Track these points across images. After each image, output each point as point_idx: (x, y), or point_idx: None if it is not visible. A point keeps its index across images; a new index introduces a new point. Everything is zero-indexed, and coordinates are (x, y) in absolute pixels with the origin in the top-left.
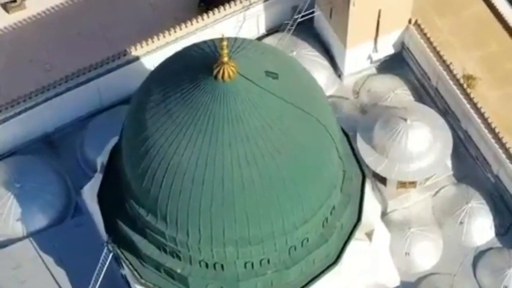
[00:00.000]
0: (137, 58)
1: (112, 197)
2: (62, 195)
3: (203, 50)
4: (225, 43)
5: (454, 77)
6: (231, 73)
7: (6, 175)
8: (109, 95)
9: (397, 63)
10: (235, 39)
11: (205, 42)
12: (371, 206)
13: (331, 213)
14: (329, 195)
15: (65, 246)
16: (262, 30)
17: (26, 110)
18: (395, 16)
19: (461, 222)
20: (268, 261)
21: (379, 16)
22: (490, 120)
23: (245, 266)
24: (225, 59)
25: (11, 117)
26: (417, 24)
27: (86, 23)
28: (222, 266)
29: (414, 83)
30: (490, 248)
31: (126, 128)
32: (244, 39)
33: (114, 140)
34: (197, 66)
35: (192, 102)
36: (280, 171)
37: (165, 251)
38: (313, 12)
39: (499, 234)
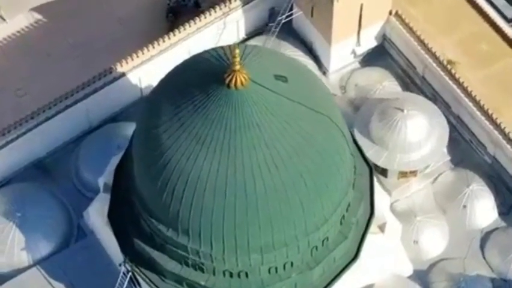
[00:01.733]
0: (123, 74)
1: (124, 216)
2: (63, 220)
3: (208, 60)
4: (237, 51)
5: (440, 63)
6: (243, 80)
7: (6, 205)
8: (96, 115)
9: (379, 56)
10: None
11: (207, 52)
12: (381, 198)
13: (347, 209)
14: (346, 192)
15: (75, 271)
16: (242, 35)
17: (17, 137)
18: (376, 9)
19: (464, 206)
20: (292, 264)
21: (361, 10)
22: (482, 103)
23: (269, 271)
24: (237, 66)
25: (3, 146)
26: (397, 15)
27: (55, 43)
28: (247, 273)
29: (400, 74)
30: (496, 228)
31: (138, 146)
32: (246, 45)
33: (116, 159)
34: (206, 76)
35: (206, 113)
36: (300, 173)
37: (187, 265)
38: (292, 13)
39: (502, 213)
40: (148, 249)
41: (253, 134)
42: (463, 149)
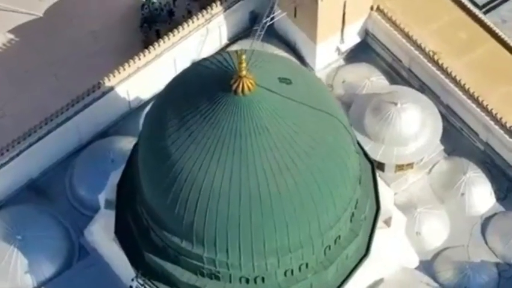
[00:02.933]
0: (111, 88)
1: (132, 231)
2: (63, 239)
3: (208, 67)
4: (244, 57)
5: (427, 54)
6: (250, 86)
7: (4, 229)
8: (86, 131)
9: (363, 51)
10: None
11: (206, 59)
12: (384, 193)
13: (356, 206)
14: (354, 189)
15: None
16: (225, 40)
17: (10, 159)
18: (358, 5)
19: (462, 194)
20: (307, 265)
21: (344, 7)
22: (471, 90)
23: (285, 274)
24: (243, 72)
25: None
26: (379, 10)
27: (31, 62)
28: (263, 278)
29: (385, 68)
30: (495, 214)
31: (145, 160)
32: (245, 50)
33: (115, 175)
34: (210, 84)
35: (215, 121)
36: (312, 173)
37: (202, 275)
38: (276, 15)
39: (500, 198)
40: (160, 262)
41: (264, 138)
42: (455, 137)
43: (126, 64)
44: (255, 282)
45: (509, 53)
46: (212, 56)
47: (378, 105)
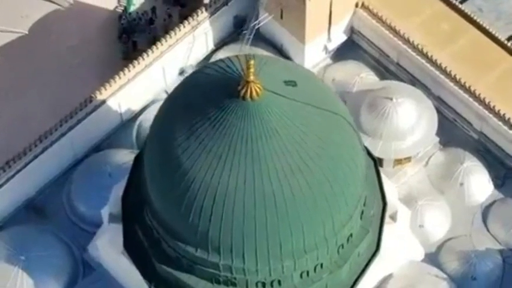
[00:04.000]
0: (103, 102)
1: (142, 243)
2: (67, 257)
3: (211, 74)
4: (252, 62)
5: (415, 47)
6: (258, 90)
7: (7, 250)
8: (81, 146)
9: (349, 49)
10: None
11: (207, 67)
12: (388, 188)
13: (365, 203)
14: (363, 186)
15: None
16: (211, 46)
17: (7, 180)
18: (344, 3)
19: (461, 184)
20: (322, 266)
21: (331, 6)
22: (463, 81)
23: (301, 276)
24: (251, 77)
25: None
26: (364, 6)
27: (14, 80)
28: (279, 281)
29: (373, 64)
30: (494, 201)
31: (153, 171)
32: (253, 55)
33: (118, 188)
34: (217, 91)
35: (225, 128)
36: (324, 173)
37: (218, 282)
38: (263, 18)
39: (497, 186)
40: (174, 272)
41: (274, 141)
42: (448, 128)
43: (117, 76)
44: (272, 285)
45: (491, 41)
46: (213, 63)
47: (374, 102)
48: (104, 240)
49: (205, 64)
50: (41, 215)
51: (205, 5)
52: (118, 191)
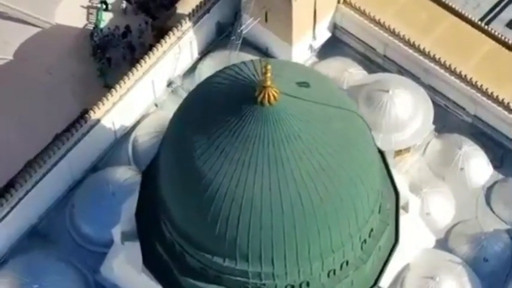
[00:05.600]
0: (98, 121)
1: (162, 259)
2: (78, 280)
3: (223, 83)
4: (269, 67)
5: (402, 38)
6: (275, 95)
7: (18, 280)
8: (78, 167)
9: (332, 45)
10: None
11: (216, 76)
12: (398, 179)
13: (382, 197)
14: (380, 180)
15: None
16: (196, 55)
17: (11, 209)
18: (326, 0)
19: (462, 168)
20: (347, 263)
21: (315, 4)
22: (453, 67)
23: (328, 275)
24: (268, 82)
25: None
26: (346, 2)
27: None
28: (308, 283)
29: (359, 58)
30: (495, 182)
31: (175, 184)
32: (269, 61)
33: (129, 206)
34: (233, 98)
35: (245, 135)
36: (346, 171)
37: None
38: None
39: (496, 167)
40: (200, 284)
41: (296, 144)
42: (441, 115)
43: (108, 94)
44: (300, 287)
45: (469, 25)
46: (221, 71)
47: (370, 95)
48: (120, 259)
49: (214, 73)
50: (46, 241)
51: (188, 15)
52: (128, 209)
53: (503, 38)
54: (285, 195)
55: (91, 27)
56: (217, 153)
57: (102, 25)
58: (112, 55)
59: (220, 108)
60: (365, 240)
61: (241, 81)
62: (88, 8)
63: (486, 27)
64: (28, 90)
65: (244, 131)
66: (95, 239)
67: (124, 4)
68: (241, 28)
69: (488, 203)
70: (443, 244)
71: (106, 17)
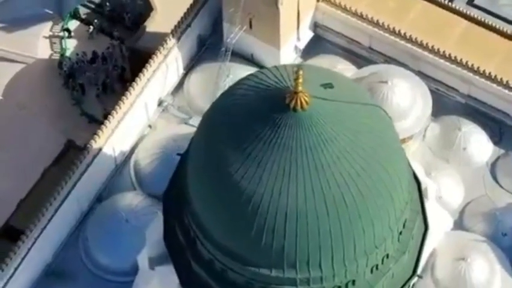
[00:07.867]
0: (99, 150)
1: (201, 279)
2: None
3: (247, 94)
4: (301, 72)
5: (386, 28)
6: (307, 99)
7: None
8: (85, 199)
9: (315, 44)
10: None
11: (238, 87)
12: (415, 166)
13: (410, 186)
14: (409, 170)
15: None
16: (181, 70)
17: (28, 250)
18: (307, 0)
19: (464, 148)
20: (387, 256)
21: (298, 6)
22: (441, 50)
23: (372, 271)
24: (299, 88)
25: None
26: (325, 0)
27: None
28: (353, 281)
29: (343, 54)
30: (498, 158)
31: (213, 202)
32: (301, 66)
33: (154, 231)
34: (262, 107)
35: (281, 144)
36: (383, 166)
37: None
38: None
39: (496, 143)
40: None
41: (334, 147)
42: (434, 98)
43: (107, 122)
44: (347, 287)
45: (440, 8)
46: (242, 83)
47: (370, 88)
48: (154, 285)
49: (234, 85)
50: (63, 278)
51: (171, 31)
52: (152, 234)
53: (472, 15)
54: (329, 198)
55: (56, 56)
56: (254, 166)
57: (68, 53)
58: (84, 81)
59: (249, 121)
60: (401, 232)
61: (267, 90)
62: (50, 37)
63: (454, 5)
64: (3, 128)
65: (279, 139)
66: (114, 269)
67: (91, 28)
68: (230, 38)
69: (495, 178)
70: (459, 225)
71: (71, 45)
